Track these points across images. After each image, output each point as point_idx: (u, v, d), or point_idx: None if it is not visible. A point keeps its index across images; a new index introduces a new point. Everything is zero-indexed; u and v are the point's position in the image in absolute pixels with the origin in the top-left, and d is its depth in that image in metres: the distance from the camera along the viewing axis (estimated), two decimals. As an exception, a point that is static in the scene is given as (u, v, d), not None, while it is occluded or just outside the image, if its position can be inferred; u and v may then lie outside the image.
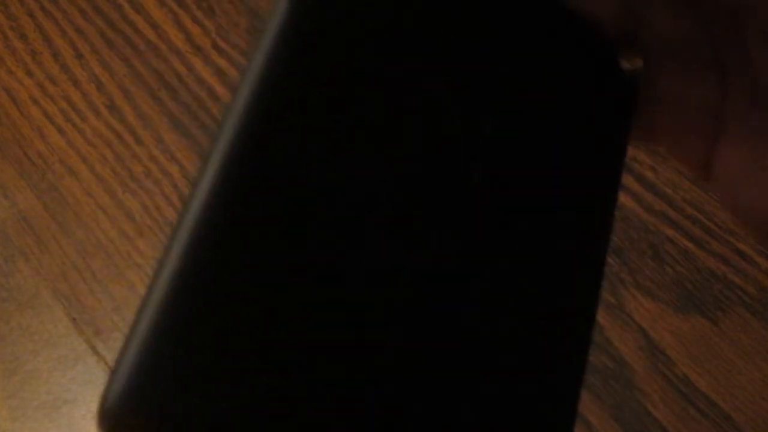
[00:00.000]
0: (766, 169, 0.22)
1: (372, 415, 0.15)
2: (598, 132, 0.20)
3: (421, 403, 0.16)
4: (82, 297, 0.43)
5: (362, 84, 0.16)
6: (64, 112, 0.48)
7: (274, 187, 0.15)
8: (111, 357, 0.41)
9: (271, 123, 0.15)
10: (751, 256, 0.42)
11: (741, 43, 0.21)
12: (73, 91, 0.48)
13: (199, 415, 0.14)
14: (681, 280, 0.42)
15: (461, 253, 0.17)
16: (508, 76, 0.18)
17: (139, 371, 0.13)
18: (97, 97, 0.48)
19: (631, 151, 0.45)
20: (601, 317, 0.41)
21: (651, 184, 0.44)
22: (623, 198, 0.44)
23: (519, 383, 0.17)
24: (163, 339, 0.14)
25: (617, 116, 0.21)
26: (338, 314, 0.15)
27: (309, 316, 0.15)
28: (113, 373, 0.13)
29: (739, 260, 0.42)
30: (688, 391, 0.40)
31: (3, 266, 0.44)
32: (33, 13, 0.51)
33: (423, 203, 0.17)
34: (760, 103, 0.22)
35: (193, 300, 0.14)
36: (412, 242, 0.16)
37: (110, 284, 0.43)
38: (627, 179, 0.44)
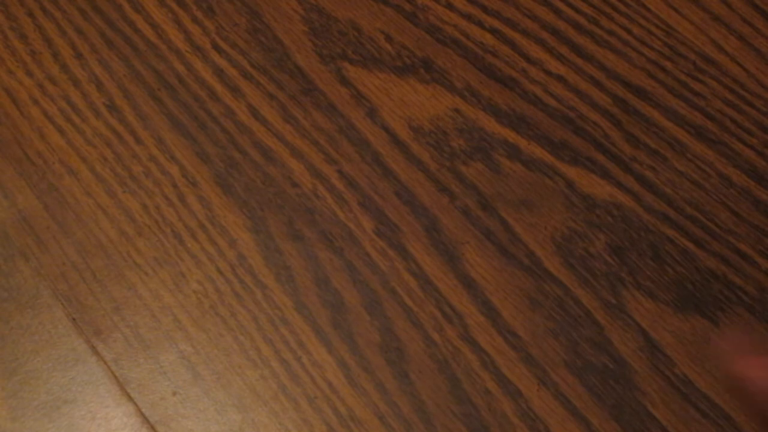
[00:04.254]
0: None
1: None
2: None
3: None
4: (81, 297, 0.43)
5: None
6: (63, 112, 0.48)
7: None
8: (111, 357, 0.41)
9: None
10: (752, 256, 0.42)
11: None
12: (73, 91, 0.48)
13: None
14: (681, 280, 0.42)
15: None
16: None
17: None
18: (96, 97, 0.48)
19: (630, 151, 0.45)
20: (601, 317, 0.41)
21: (651, 184, 0.44)
22: (623, 198, 0.44)
23: None
24: None
25: None
26: None
27: None
28: None
29: (739, 260, 0.42)
30: (688, 391, 0.40)
31: (3, 266, 0.44)
32: (32, 12, 0.51)
33: None
34: None
35: None
36: None
37: (110, 284, 0.43)
38: (627, 179, 0.44)
